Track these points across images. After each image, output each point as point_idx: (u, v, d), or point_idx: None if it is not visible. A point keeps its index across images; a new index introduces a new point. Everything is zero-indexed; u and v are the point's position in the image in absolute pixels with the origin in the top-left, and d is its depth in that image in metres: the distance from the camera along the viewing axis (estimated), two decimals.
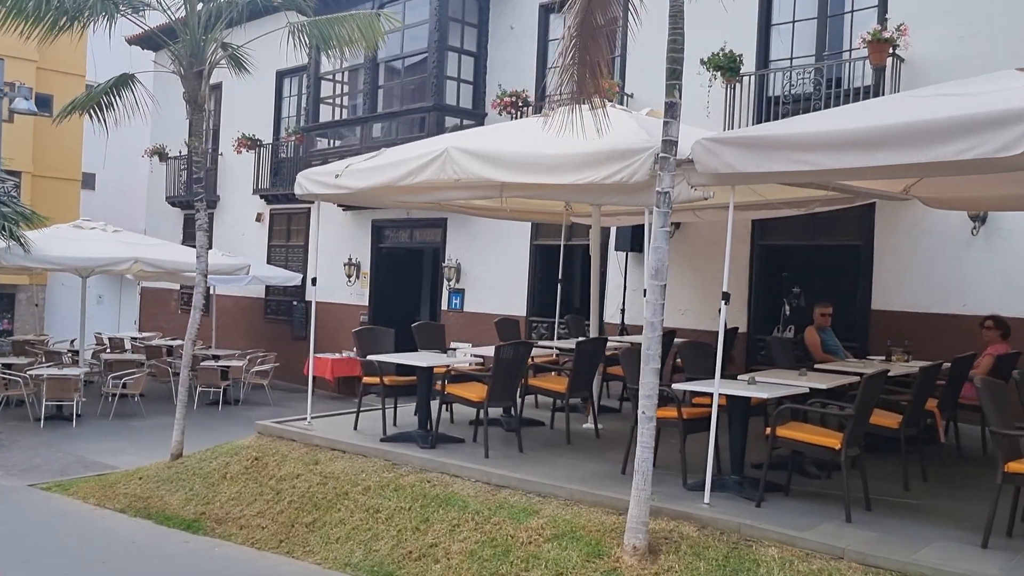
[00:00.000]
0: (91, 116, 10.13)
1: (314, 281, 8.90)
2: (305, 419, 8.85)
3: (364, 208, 17.45)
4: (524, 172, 6.75)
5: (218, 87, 21.87)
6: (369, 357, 8.08)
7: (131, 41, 24.63)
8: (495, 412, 8.71)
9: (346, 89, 17.29)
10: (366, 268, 17.68)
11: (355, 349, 8.36)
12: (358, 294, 17.80)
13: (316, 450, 8.02)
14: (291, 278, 18.62)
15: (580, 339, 8.97)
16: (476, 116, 15.36)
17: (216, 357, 17.25)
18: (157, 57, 21.05)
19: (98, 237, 14.92)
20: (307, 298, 19.08)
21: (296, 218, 19.49)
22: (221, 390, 15.63)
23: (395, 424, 8.73)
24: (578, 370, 8.12)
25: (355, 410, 9.08)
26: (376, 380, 8.31)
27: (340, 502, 7.11)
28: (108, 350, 18.58)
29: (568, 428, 8.29)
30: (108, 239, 14.97)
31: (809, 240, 11.82)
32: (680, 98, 5.72)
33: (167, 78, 24.36)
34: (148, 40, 24.02)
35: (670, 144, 5.57)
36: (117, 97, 10.10)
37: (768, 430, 6.13)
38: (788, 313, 11.29)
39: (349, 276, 17.68)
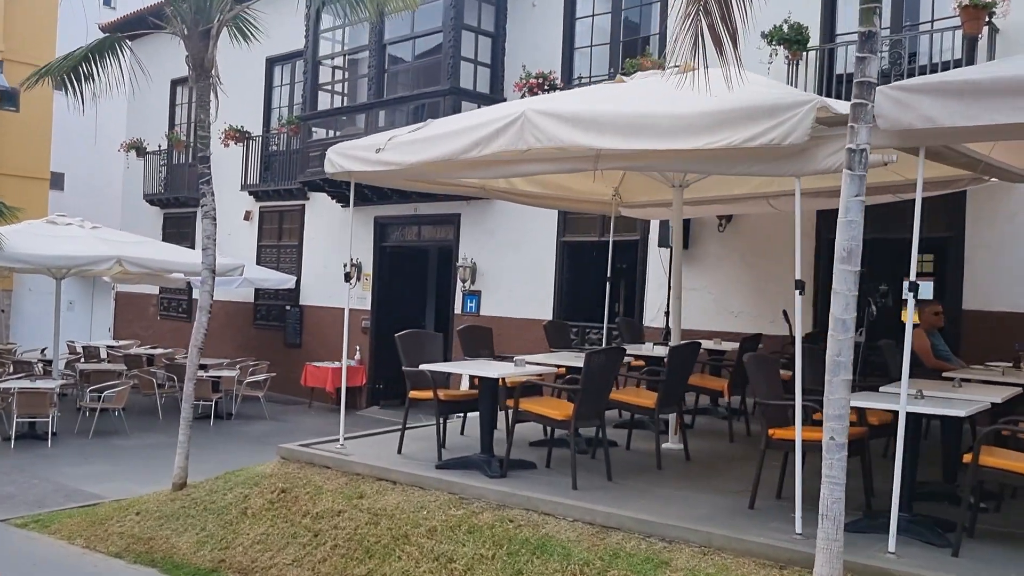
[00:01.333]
0: (65, 86, 8.63)
1: (347, 277, 7.55)
2: (338, 441, 7.46)
3: (365, 204, 16.05)
4: (631, 137, 5.43)
5: None
6: (423, 367, 6.68)
7: (105, 29, 23.08)
8: (558, 430, 7.40)
9: (347, 76, 15.85)
10: (368, 269, 16.25)
11: (401, 357, 6.89)
12: (359, 297, 16.36)
13: (358, 480, 6.61)
14: (284, 280, 17.15)
15: (673, 345, 7.62)
16: (494, 101, 14.00)
17: (203, 367, 15.72)
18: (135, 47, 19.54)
19: (75, 234, 13.38)
20: (301, 302, 17.61)
21: (289, 216, 18.01)
22: (213, 403, 14.12)
23: (444, 446, 7.37)
24: (670, 382, 6.81)
25: (392, 429, 7.71)
26: (426, 395, 6.94)
27: (400, 547, 5.72)
28: (83, 360, 16.97)
29: (658, 451, 6.95)
30: (86, 236, 13.42)
31: (884, 233, 10.62)
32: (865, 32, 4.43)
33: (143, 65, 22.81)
34: (124, 27, 22.46)
35: (867, 87, 4.28)
36: (97, 65, 8.61)
37: (968, 456, 4.85)
38: (875, 315, 10.06)
39: (349, 278, 16.17)
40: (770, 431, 5.57)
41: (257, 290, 18.35)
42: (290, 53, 18.09)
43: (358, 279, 16.29)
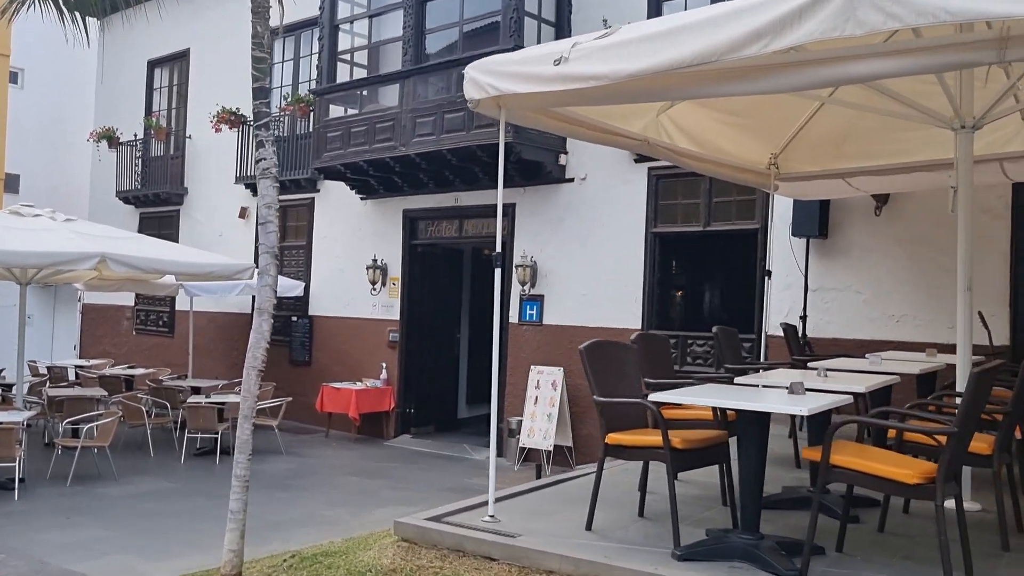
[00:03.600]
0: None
1: (496, 258, 5.08)
2: (484, 508, 4.93)
3: (392, 195, 13.55)
4: None
5: (184, 55, 17.77)
6: (654, 397, 4.16)
7: (69, 6, 20.26)
8: (772, 484, 5.00)
9: (372, 42, 13.33)
10: (396, 272, 13.71)
11: (589, 382, 4.41)
12: (385, 306, 13.81)
13: None
14: (292, 287, 14.51)
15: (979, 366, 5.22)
16: None
17: (196, 390, 13.08)
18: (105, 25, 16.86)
19: (46, 227, 10.65)
20: (311, 312, 15.00)
21: (295, 212, 15.41)
22: (218, 436, 11.47)
23: (641, 513, 4.91)
24: (1012, 418, 4.44)
25: (547, 483, 5.23)
26: (637, 439, 4.47)
27: None
28: (49, 383, 14.19)
29: (1003, 527, 4.52)
30: (60, 229, 10.70)
31: None
32: None
33: (113, 52, 20.13)
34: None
35: None
36: None
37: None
38: None
39: (374, 283, 13.68)
40: None
41: (255, 299, 15.67)
42: (294, 24, 15.57)
43: (383, 284, 13.75)
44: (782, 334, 9.09)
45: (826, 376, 5.01)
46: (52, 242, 10.19)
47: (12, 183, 24.27)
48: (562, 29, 11.68)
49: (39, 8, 6.32)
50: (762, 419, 4.04)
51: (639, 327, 10.93)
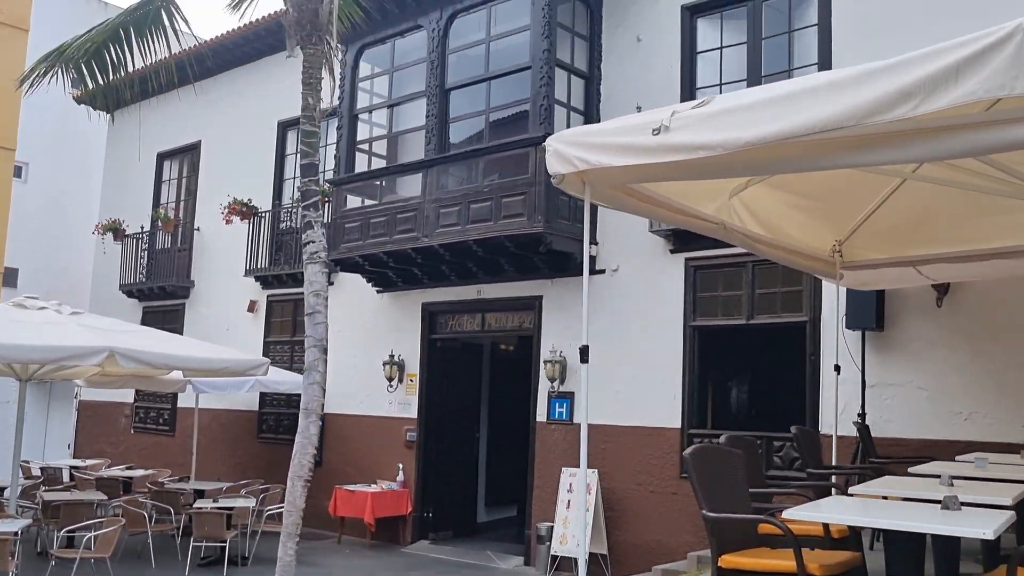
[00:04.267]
0: (83, 75, 5.65)
1: (584, 354, 4.54)
2: None
3: (411, 287, 13.07)
4: None
5: (195, 147, 17.53)
6: (789, 515, 3.47)
7: (80, 100, 20.17)
8: None
9: (391, 131, 13.05)
10: (413, 368, 13.10)
11: (697, 495, 3.78)
12: (401, 403, 13.15)
13: None
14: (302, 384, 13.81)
15: None
16: None
17: (200, 493, 12.30)
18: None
19: (52, 320, 10.08)
20: (323, 410, 14.25)
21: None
22: (226, 544, 10.64)
23: None
24: None
25: None
26: (767, 564, 3.81)
27: None
28: (43, 485, 13.37)
29: None
30: (67, 323, 10.12)
31: None
32: None
33: (120, 143, 19.89)
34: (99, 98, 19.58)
35: None
36: (141, 41, 5.62)
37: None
38: None
39: (390, 380, 13.06)
40: None
41: (264, 396, 15.03)
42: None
43: (400, 380, 13.12)
44: (852, 432, 8.54)
45: (951, 484, 4.40)
46: (58, 336, 9.60)
47: (11, 277, 23.74)
48: (591, 117, 11.41)
49: (58, 79, 5.92)
50: (919, 541, 3.41)
51: (679, 425, 10.31)
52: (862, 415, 8.85)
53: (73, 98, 20.69)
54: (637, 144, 4.01)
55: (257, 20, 15.50)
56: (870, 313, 8.74)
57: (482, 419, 14.01)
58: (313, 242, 5.03)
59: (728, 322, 10.21)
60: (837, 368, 7.94)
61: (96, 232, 18.45)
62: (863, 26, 9.41)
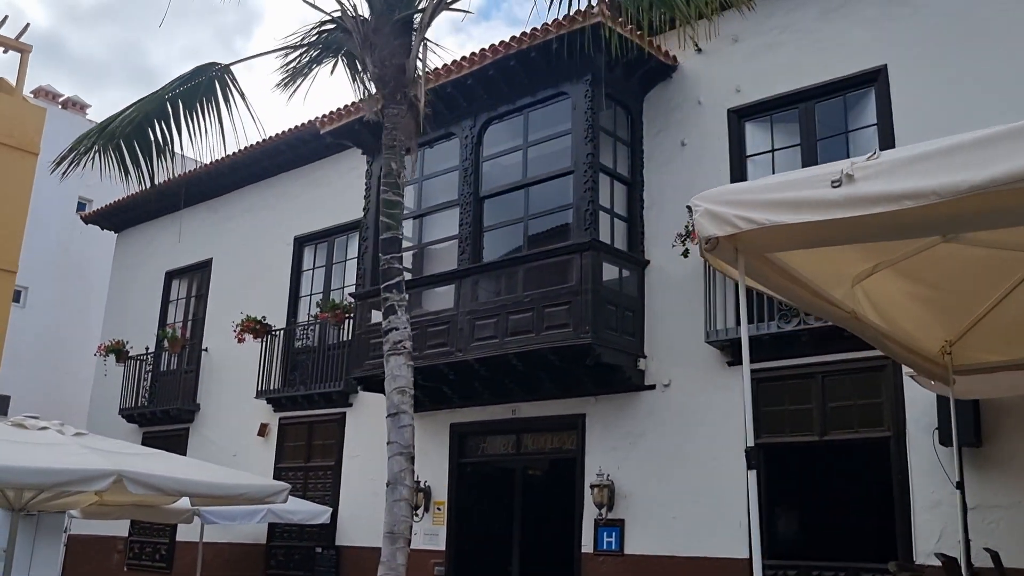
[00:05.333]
0: (123, 154, 5.01)
1: (749, 455, 3.75)
2: None
3: (439, 407, 12.19)
4: None
5: (206, 265, 16.95)
6: None
7: (88, 220, 19.79)
8: None
9: (420, 241, 12.46)
10: (441, 495, 12.07)
11: None
12: (428, 534, 12.03)
13: None
14: (318, 513, 12.76)
15: None
16: (635, 262, 10.71)
17: None
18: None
19: (54, 441, 9.11)
20: (338, 542, 13.14)
21: (323, 429, 13.90)
22: None
23: None
24: None
25: None
26: None
27: None
28: None
29: None
30: (70, 444, 9.15)
31: None
32: None
33: (126, 262, 19.29)
34: (108, 218, 19.17)
35: None
36: (197, 112, 5.01)
37: None
38: None
39: (416, 508, 11.97)
40: None
41: (273, 527, 13.86)
42: (320, 232, 14.93)
43: (426, 509, 12.06)
44: (938, 564, 7.57)
45: None
46: (61, 458, 8.61)
47: (2, 404, 22.74)
48: (635, 224, 10.87)
49: (94, 161, 5.31)
50: None
51: (746, 555, 9.26)
52: (967, 540, 7.89)
53: (81, 218, 20.34)
54: (815, 198, 3.31)
55: (276, 135, 15.18)
56: (969, 426, 7.91)
57: (514, 550, 12.83)
58: (396, 329, 4.33)
59: (797, 439, 9.35)
60: (959, 486, 7.05)
61: (98, 354, 17.60)
62: (925, 124, 8.95)
